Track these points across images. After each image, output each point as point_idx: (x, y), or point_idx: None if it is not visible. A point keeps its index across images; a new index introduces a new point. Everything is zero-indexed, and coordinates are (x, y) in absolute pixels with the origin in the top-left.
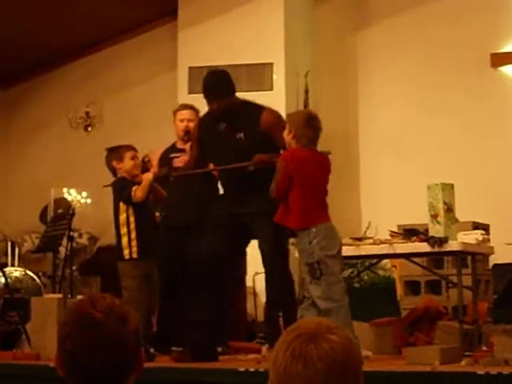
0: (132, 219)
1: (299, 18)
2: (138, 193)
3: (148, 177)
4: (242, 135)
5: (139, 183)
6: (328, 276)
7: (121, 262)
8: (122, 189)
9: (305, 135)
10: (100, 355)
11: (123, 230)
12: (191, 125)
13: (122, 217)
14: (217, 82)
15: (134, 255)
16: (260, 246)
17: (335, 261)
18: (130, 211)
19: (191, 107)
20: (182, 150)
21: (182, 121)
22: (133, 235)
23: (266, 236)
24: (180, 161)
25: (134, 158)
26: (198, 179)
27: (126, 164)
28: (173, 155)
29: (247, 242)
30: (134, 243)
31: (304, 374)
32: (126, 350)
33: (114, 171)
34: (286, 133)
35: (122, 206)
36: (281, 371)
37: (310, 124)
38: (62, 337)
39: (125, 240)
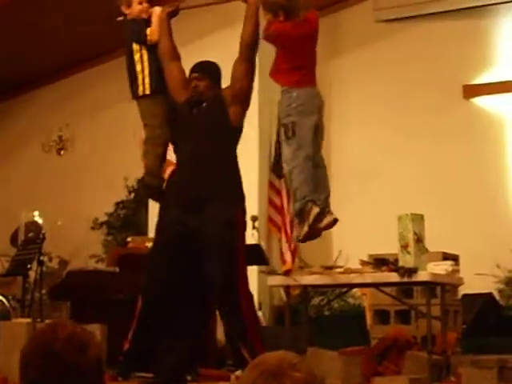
0: (145, 57)
1: None
2: (153, 36)
3: (157, 12)
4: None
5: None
6: (298, 139)
7: (137, 101)
8: (138, 29)
9: (291, 8)
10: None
11: (138, 68)
12: None
13: (137, 56)
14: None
15: (147, 91)
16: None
17: (310, 126)
18: (144, 51)
19: None
20: None
21: None
22: (146, 72)
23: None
24: None
25: (141, 2)
26: None
27: (135, 9)
28: None
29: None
30: (146, 80)
31: None
32: (86, 379)
33: (123, 15)
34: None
35: (135, 46)
36: None
37: None
38: (24, 365)
39: (140, 77)
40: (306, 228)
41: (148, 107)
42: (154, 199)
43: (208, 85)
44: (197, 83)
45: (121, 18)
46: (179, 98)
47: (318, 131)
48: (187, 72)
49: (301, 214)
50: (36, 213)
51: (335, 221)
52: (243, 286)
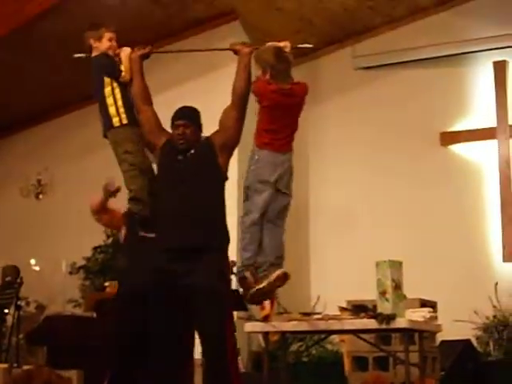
0: (117, 90)
1: None
2: (127, 74)
3: (126, 53)
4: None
5: None
6: (249, 204)
7: (113, 130)
8: (110, 63)
9: (279, 70)
10: None
11: (109, 101)
12: None
13: (107, 89)
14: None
15: (124, 121)
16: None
17: (264, 190)
18: (115, 84)
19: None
20: None
21: None
22: (119, 103)
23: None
24: None
25: (111, 40)
26: None
27: (104, 44)
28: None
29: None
30: (121, 110)
31: None
32: None
33: (89, 48)
34: (260, 73)
35: (106, 79)
36: None
37: (280, 58)
38: None
39: (112, 109)
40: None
41: (128, 135)
42: (138, 227)
43: (194, 131)
44: (184, 130)
45: (80, 55)
46: (156, 141)
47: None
48: (166, 118)
49: (242, 282)
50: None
51: (284, 275)
52: (231, 338)
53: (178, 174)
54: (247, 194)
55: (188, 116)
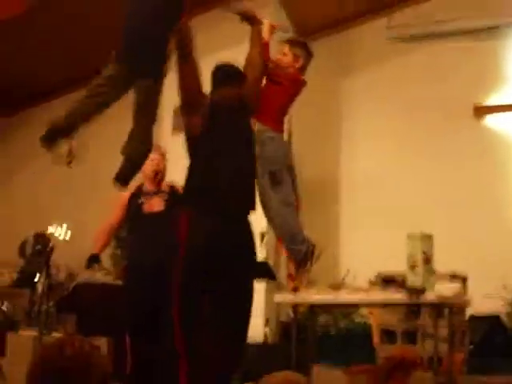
0: None
1: None
2: None
3: None
4: None
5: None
6: (283, 187)
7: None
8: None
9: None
10: None
11: None
12: (161, 165)
13: None
14: None
15: None
16: None
17: (290, 175)
18: None
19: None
20: (150, 194)
21: (152, 160)
22: None
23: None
24: (152, 204)
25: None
26: None
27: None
28: (141, 200)
29: None
30: None
31: None
32: None
33: None
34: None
35: None
36: None
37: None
38: (29, 381)
39: None
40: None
41: None
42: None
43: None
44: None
45: None
46: (200, 99)
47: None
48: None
49: (305, 257)
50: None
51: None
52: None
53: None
54: (278, 177)
55: (239, 77)
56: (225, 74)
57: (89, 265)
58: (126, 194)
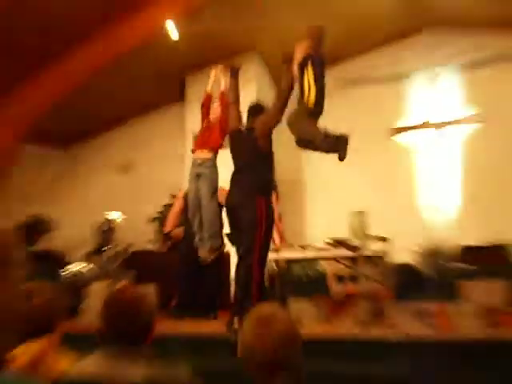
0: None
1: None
2: None
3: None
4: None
5: None
6: None
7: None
8: None
9: None
10: (122, 325)
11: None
12: None
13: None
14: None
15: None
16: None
17: None
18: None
19: None
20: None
21: None
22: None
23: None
24: None
25: None
26: None
27: None
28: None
29: None
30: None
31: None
32: (142, 321)
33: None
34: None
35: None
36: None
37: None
38: (102, 312)
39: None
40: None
41: None
42: None
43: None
44: None
45: None
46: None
47: None
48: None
49: None
50: (110, 212)
51: None
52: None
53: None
54: None
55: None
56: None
57: (165, 239)
58: (183, 191)
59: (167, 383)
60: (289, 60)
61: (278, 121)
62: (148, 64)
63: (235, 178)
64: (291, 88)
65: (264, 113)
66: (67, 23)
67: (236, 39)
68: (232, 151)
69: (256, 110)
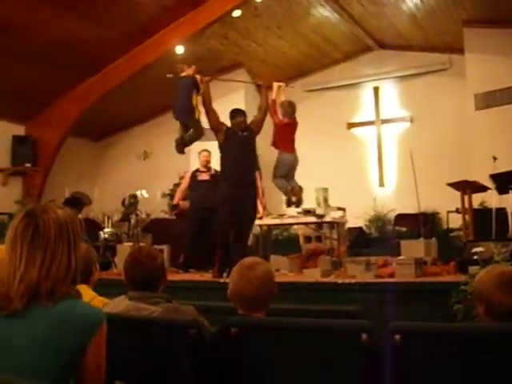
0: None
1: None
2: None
3: (198, 77)
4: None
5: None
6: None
7: (194, 119)
8: (193, 81)
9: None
10: (141, 275)
11: (194, 103)
12: (208, 158)
13: (195, 101)
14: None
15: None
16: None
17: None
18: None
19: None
20: (202, 172)
21: (204, 156)
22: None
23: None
24: (203, 176)
25: (189, 67)
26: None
27: (188, 71)
28: (197, 174)
29: None
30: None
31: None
32: (156, 272)
33: (179, 72)
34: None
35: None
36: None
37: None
38: (125, 266)
39: (197, 112)
40: None
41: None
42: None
43: (246, 121)
44: (242, 120)
45: (170, 75)
46: (220, 126)
47: None
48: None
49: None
50: (136, 191)
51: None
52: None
53: (240, 141)
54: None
55: (243, 113)
56: (235, 112)
57: (173, 209)
58: (189, 173)
59: (178, 317)
60: (264, 87)
61: (261, 126)
62: (162, 75)
63: (241, 161)
64: (267, 106)
65: (246, 115)
66: (100, 46)
67: (228, 57)
68: (236, 142)
69: (237, 113)
